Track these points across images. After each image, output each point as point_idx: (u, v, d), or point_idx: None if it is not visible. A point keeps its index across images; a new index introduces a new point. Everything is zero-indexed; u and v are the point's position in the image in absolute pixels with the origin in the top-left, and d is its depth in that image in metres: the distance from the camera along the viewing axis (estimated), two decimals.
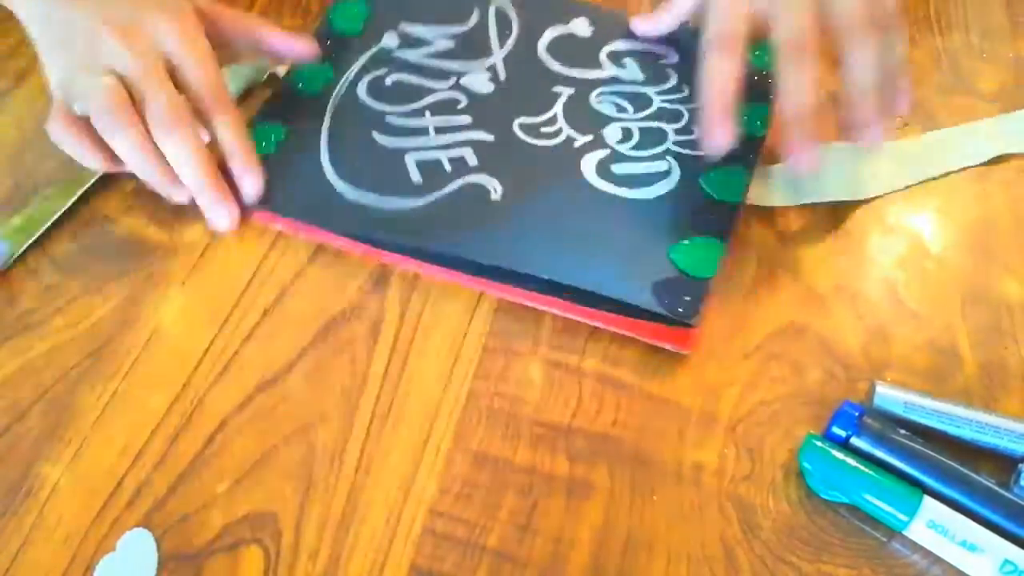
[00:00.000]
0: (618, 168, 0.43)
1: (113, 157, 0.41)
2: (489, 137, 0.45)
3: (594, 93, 0.46)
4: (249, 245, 0.43)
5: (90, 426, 0.38)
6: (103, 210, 0.45)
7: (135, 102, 0.40)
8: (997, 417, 0.36)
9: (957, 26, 0.51)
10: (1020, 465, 0.35)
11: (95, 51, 0.40)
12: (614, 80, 0.47)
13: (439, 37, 0.49)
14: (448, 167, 0.44)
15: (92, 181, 0.44)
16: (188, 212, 0.45)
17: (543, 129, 0.45)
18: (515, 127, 0.45)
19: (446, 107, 0.46)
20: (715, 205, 0.42)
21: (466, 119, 0.45)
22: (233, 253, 0.43)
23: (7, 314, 0.41)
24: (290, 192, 0.43)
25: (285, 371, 0.39)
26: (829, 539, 0.35)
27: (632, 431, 0.37)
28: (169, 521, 0.35)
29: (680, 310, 0.38)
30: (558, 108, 0.46)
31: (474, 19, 0.49)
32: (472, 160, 0.44)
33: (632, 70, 0.47)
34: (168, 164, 0.41)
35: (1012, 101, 0.47)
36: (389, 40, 0.49)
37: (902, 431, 0.35)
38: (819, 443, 0.35)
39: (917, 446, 0.35)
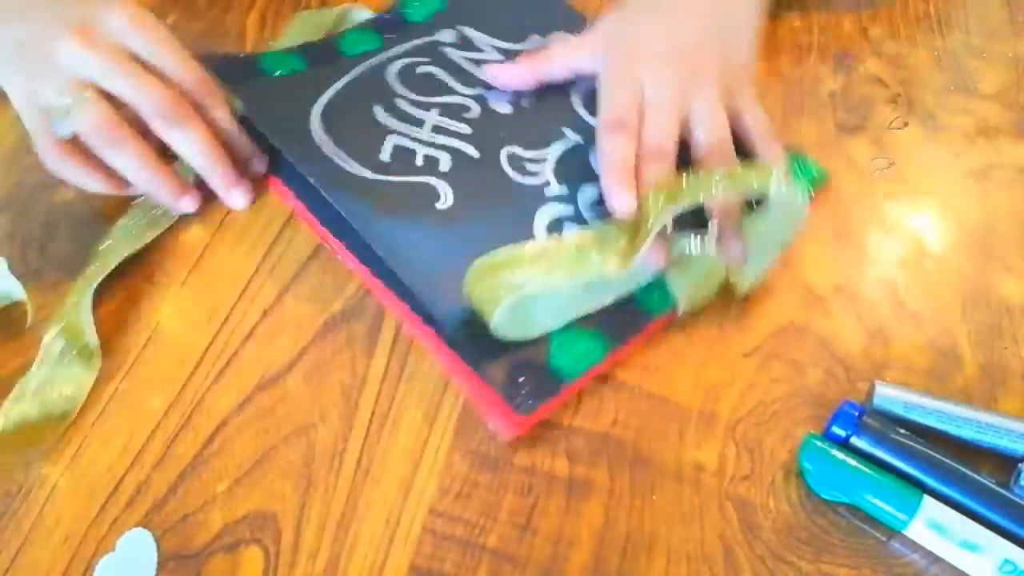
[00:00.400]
0: (570, 231, 0.41)
1: (117, 177, 0.40)
2: (475, 154, 0.44)
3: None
4: (249, 245, 0.43)
5: (90, 426, 0.38)
6: (103, 210, 0.45)
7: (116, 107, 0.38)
8: (997, 417, 0.36)
9: (957, 26, 0.51)
10: (1020, 465, 0.35)
11: (54, 61, 0.37)
12: None
13: (491, 48, 0.48)
14: (419, 162, 0.43)
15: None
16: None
17: (528, 165, 0.44)
18: (503, 153, 0.44)
19: (455, 111, 0.46)
20: (630, 309, 0.39)
21: (465, 128, 0.45)
22: (233, 253, 0.43)
23: (7, 314, 0.41)
24: (272, 113, 0.44)
25: (285, 371, 0.39)
26: (829, 539, 0.35)
27: (632, 431, 0.37)
28: (169, 521, 0.35)
29: (520, 398, 0.36)
30: (555, 150, 0.44)
31: (530, 43, 0.49)
32: (445, 165, 0.43)
33: None
34: (175, 175, 0.41)
35: (1012, 101, 0.47)
36: (444, 36, 0.49)
37: (902, 431, 0.35)
38: (819, 443, 0.35)
39: (917, 446, 0.35)
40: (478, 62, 0.48)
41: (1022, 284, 0.41)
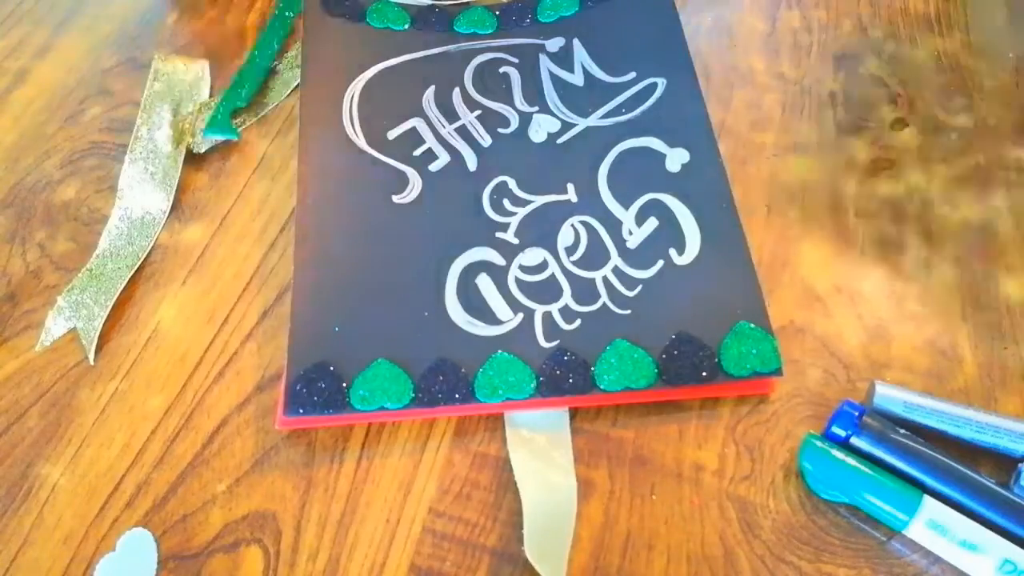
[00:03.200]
0: (486, 282, 0.40)
1: None
2: (472, 167, 0.43)
3: (581, 219, 0.42)
4: (249, 245, 0.43)
5: (90, 426, 0.38)
6: (103, 210, 0.45)
7: None
8: (997, 417, 0.36)
9: (957, 26, 0.51)
10: (1020, 465, 0.35)
11: None
12: (620, 236, 0.41)
13: (582, 71, 0.47)
14: (419, 152, 0.44)
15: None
16: (188, 212, 0.45)
17: (505, 201, 0.42)
18: (495, 181, 0.43)
19: (494, 120, 0.45)
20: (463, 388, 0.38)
21: (486, 140, 0.44)
22: (233, 253, 0.43)
23: (7, 313, 0.41)
24: (327, 59, 0.48)
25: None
26: (829, 539, 0.35)
27: (632, 431, 0.37)
28: (169, 521, 0.36)
29: (299, 401, 0.37)
30: (540, 200, 0.42)
31: (623, 78, 0.47)
32: (436, 165, 0.44)
33: (644, 233, 0.41)
34: None
35: (1012, 101, 0.47)
36: (552, 44, 0.48)
37: (902, 431, 0.35)
38: (819, 443, 0.35)
39: (917, 446, 0.35)
40: (558, 80, 0.47)
41: (1022, 284, 0.41)
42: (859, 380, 0.38)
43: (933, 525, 0.33)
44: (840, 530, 0.35)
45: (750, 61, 0.49)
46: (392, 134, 0.45)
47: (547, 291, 0.39)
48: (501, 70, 0.47)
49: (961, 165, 0.45)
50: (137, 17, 0.54)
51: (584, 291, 0.39)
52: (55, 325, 0.40)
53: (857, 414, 0.35)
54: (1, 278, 0.43)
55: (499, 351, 0.38)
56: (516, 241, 0.41)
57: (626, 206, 0.42)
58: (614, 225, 0.41)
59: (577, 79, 0.47)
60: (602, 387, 0.37)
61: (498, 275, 0.40)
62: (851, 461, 0.34)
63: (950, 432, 0.36)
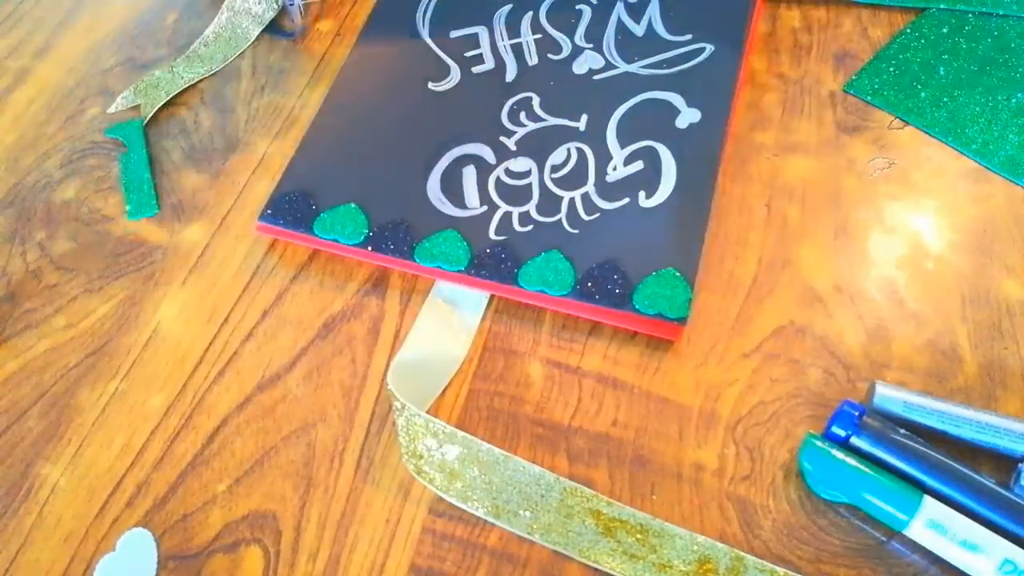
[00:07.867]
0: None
1: None
2: (510, 76, 0.47)
3: (578, 145, 0.44)
4: (249, 245, 0.43)
5: (90, 426, 0.38)
6: (103, 210, 0.45)
7: None
8: (997, 417, 0.36)
9: None
10: (1020, 465, 0.35)
11: None
12: (604, 169, 0.44)
13: (646, 27, 0.49)
14: (470, 53, 0.48)
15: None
16: (188, 212, 0.45)
17: (523, 114, 0.45)
18: (522, 95, 0.46)
19: (548, 44, 0.48)
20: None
21: (533, 60, 0.48)
22: (233, 253, 0.43)
23: (7, 313, 0.41)
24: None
25: (285, 371, 0.39)
26: (829, 539, 0.35)
27: (632, 431, 0.37)
28: (169, 521, 0.36)
29: (276, 214, 0.42)
30: (551, 121, 0.45)
31: (680, 37, 0.49)
32: (481, 67, 0.48)
33: (626, 172, 0.43)
34: None
35: None
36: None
37: (902, 431, 0.35)
38: (819, 443, 0.35)
39: (917, 446, 0.35)
40: (622, 27, 0.49)
41: (1022, 284, 0.41)
42: (859, 380, 0.38)
43: (933, 525, 0.33)
44: (840, 530, 0.35)
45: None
46: (454, 34, 0.49)
47: (518, 195, 0.43)
48: (577, 7, 0.50)
49: (961, 165, 0.45)
50: (137, 17, 0.54)
51: (549, 204, 0.42)
52: (123, 99, 0.48)
53: (857, 414, 0.35)
54: (1, 278, 0.43)
55: (451, 228, 0.41)
56: (514, 148, 0.45)
57: (623, 146, 0.44)
58: (604, 159, 0.44)
59: (639, 30, 0.49)
60: (521, 284, 0.40)
61: (484, 171, 0.44)
62: (851, 461, 0.34)
63: (950, 432, 0.36)
